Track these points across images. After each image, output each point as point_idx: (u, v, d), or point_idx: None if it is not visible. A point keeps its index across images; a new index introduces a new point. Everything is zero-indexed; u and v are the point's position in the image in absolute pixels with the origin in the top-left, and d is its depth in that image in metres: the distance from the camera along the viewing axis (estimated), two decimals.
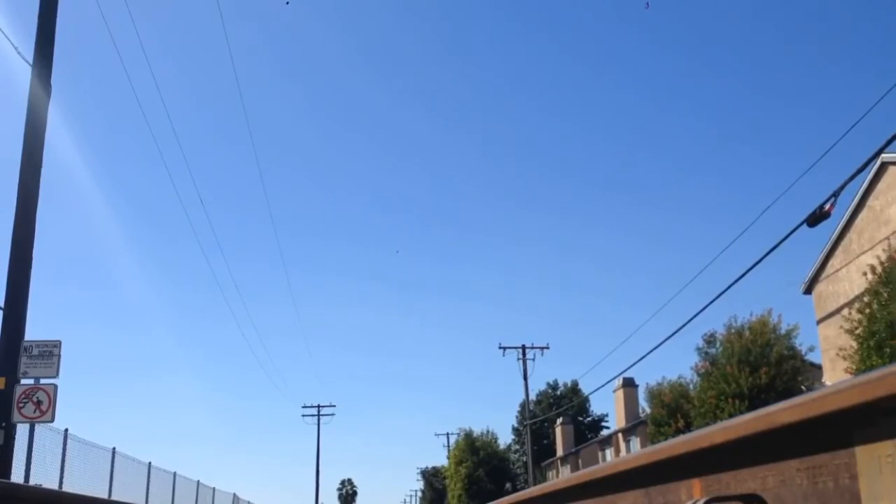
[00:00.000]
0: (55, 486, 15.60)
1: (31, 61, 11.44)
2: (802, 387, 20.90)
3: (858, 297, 18.38)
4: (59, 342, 11.24)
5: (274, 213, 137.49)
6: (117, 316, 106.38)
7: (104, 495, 18.63)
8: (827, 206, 12.32)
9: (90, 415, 69.85)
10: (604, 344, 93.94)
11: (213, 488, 33.57)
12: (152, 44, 73.09)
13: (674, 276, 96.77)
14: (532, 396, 46.89)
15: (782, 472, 1.94)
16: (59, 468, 16.92)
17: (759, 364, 20.55)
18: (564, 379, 66.36)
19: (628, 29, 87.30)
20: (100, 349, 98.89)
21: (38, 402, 10.83)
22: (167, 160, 35.71)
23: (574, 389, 63.15)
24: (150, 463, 23.93)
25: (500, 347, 41.11)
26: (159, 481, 24.93)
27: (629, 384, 40.79)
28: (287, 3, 75.21)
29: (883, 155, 17.63)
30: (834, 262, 23.60)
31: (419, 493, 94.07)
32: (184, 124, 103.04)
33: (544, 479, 47.77)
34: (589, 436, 57.46)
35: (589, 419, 65.68)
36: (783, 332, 21.50)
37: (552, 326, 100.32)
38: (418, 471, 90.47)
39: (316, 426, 59.67)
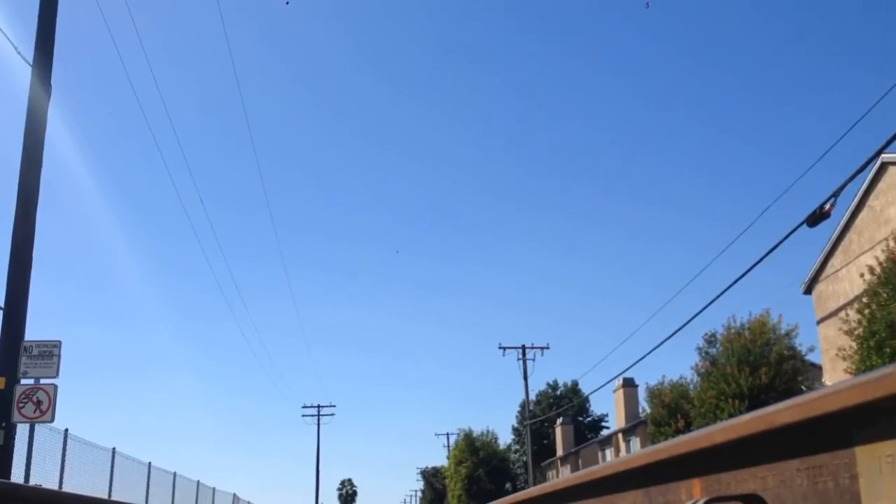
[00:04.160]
0: (55, 486, 15.60)
1: (31, 61, 11.44)
2: (802, 387, 20.90)
3: (858, 298, 18.38)
4: (59, 342, 11.25)
5: (274, 213, 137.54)
6: (117, 316, 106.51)
7: (104, 495, 18.64)
8: (827, 206, 12.33)
9: (90, 415, 69.93)
10: (604, 344, 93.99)
11: (213, 488, 33.59)
12: (152, 44, 73.16)
13: (674, 276, 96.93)
14: (532, 396, 46.96)
15: (782, 472, 1.94)
16: (59, 468, 16.92)
17: (759, 364, 20.55)
18: (564, 379, 66.33)
19: (628, 29, 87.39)
20: (100, 349, 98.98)
21: (38, 402, 10.83)
22: (167, 160, 35.67)
23: (574, 389, 63.07)
24: (150, 463, 23.95)
25: (500, 347, 41.17)
26: (159, 481, 24.94)
27: (629, 384, 40.75)
28: (287, 3, 75.23)
29: (883, 155, 17.62)
30: (834, 263, 23.60)
31: (419, 493, 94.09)
32: (184, 124, 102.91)
33: (544, 479, 47.76)
34: (589, 436, 57.41)
35: (589, 419, 65.62)
36: (783, 332, 21.51)
37: (552, 326, 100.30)
38: (418, 471, 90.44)
39: (316, 426, 59.80)
